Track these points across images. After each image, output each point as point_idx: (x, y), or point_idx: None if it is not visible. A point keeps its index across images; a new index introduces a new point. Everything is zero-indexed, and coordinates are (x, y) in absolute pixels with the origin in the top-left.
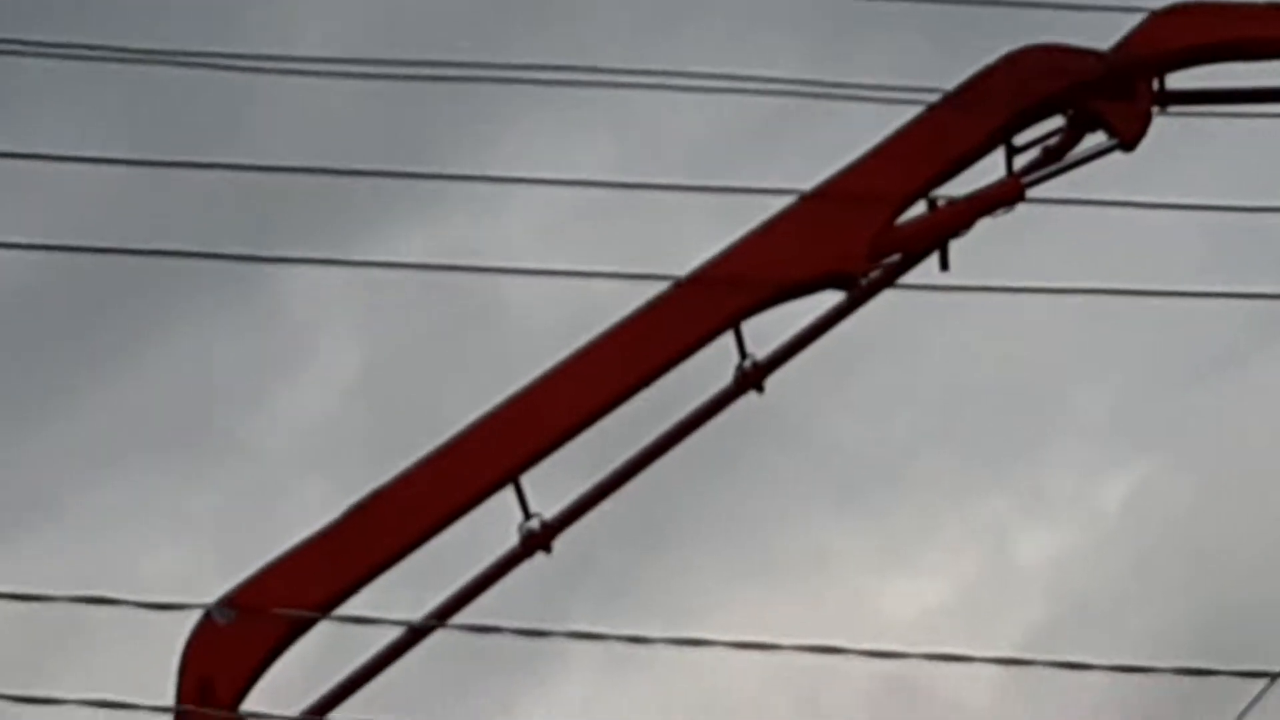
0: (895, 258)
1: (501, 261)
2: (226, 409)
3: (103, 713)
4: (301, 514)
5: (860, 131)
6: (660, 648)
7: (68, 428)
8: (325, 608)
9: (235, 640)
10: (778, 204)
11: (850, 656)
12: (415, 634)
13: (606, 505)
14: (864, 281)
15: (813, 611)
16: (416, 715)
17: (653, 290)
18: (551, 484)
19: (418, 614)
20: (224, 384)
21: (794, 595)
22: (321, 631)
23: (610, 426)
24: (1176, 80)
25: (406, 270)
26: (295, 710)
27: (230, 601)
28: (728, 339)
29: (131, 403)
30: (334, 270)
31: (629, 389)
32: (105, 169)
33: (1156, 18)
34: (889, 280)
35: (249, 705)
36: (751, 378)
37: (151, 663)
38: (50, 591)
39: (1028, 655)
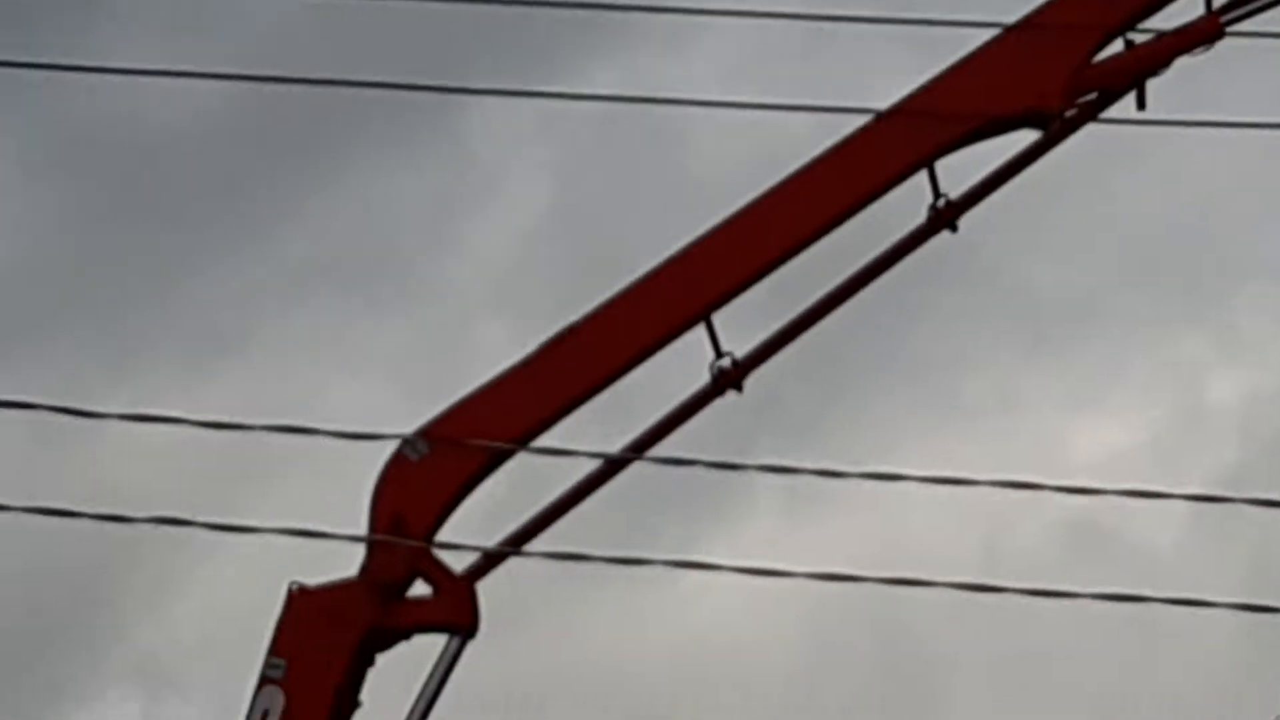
0: (1092, 96)
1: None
2: (413, 245)
3: (297, 541)
4: (486, 351)
5: None
6: (850, 484)
7: (255, 261)
8: (519, 443)
9: (428, 474)
10: (977, 38)
11: (1041, 494)
12: (610, 467)
13: (796, 345)
14: (1060, 120)
15: (1000, 454)
16: (607, 549)
17: (846, 127)
18: (743, 322)
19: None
20: (411, 219)
21: (981, 437)
22: (514, 466)
23: (802, 264)
24: None
25: (595, 104)
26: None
27: (425, 435)
28: (921, 178)
29: (319, 237)
30: (522, 105)
31: (824, 226)
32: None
33: None
34: (1085, 119)
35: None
36: (945, 216)
37: (344, 493)
38: (244, 420)
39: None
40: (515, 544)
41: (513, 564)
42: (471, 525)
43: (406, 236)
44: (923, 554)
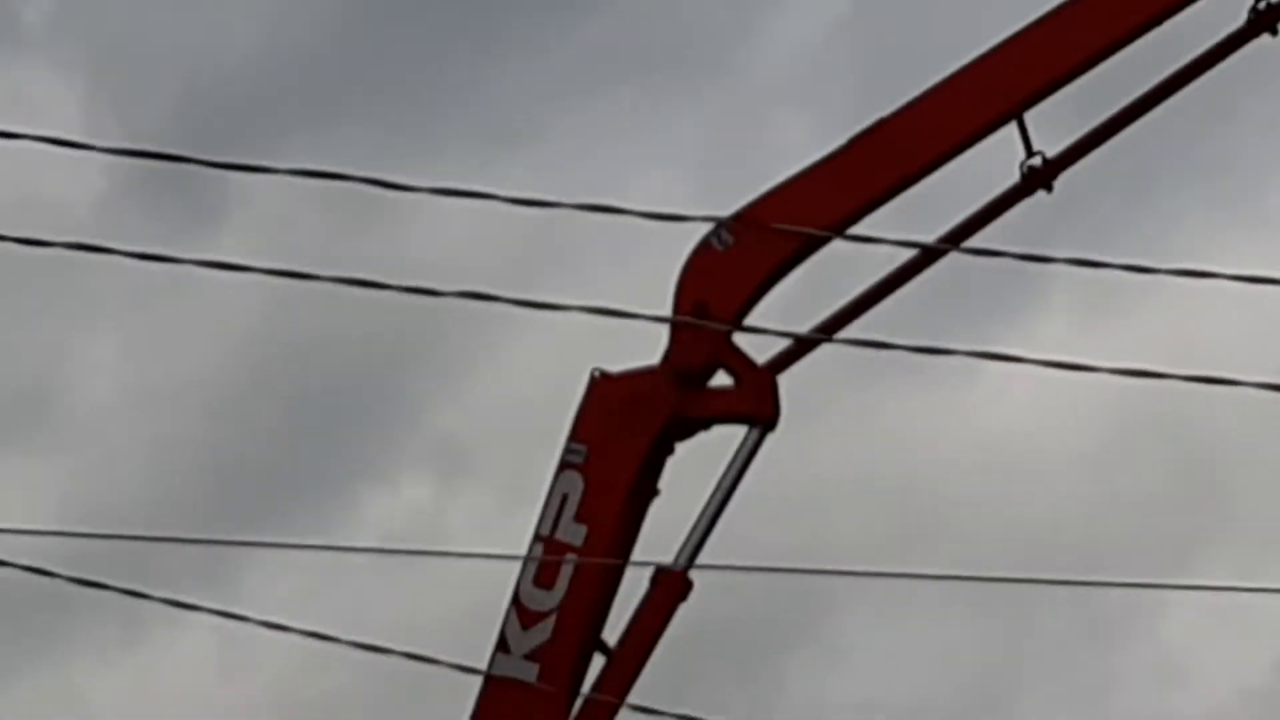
0: None
1: None
2: (713, 35)
3: (596, 326)
4: (787, 146)
5: None
6: (1148, 284)
7: (556, 49)
8: (828, 232)
9: (733, 263)
10: None
11: None
12: (916, 261)
13: (1107, 147)
14: None
15: None
16: (911, 339)
17: None
18: (1055, 121)
19: None
20: (711, 10)
21: None
22: (814, 263)
23: (1117, 64)
24: None
25: None
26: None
27: (734, 221)
28: None
29: (621, 26)
30: None
31: (1141, 24)
32: None
33: None
34: None
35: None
36: (1266, 19)
37: (647, 279)
38: (551, 198)
39: None
40: (828, 330)
41: (812, 360)
42: (773, 320)
43: (709, 26)
44: (1223, 356)
